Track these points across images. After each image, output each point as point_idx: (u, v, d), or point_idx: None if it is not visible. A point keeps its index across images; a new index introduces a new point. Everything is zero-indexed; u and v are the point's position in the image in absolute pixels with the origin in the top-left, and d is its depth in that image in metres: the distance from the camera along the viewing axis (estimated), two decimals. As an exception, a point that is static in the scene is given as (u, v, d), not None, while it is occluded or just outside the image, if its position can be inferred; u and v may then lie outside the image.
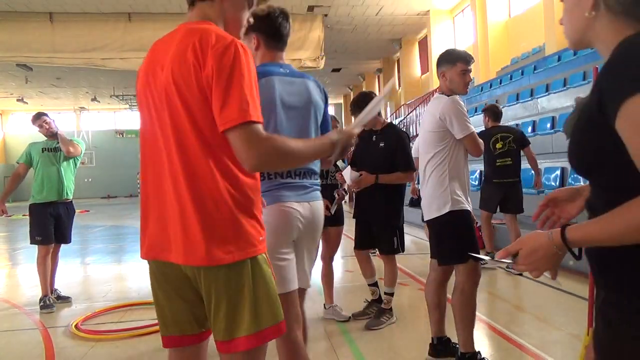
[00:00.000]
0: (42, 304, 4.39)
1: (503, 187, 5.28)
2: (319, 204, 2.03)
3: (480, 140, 2.73)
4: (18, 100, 24.48)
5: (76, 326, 3.78)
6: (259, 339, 1.37)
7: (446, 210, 2.62)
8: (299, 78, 2.02)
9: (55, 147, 4.64)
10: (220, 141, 1.32)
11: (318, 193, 2.04)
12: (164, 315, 1.48)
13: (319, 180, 2.07)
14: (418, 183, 6.27)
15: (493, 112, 5.46)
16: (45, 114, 4.72)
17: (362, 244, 3.78)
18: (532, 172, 5.68)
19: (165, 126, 1.36)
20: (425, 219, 2.79)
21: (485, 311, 3.87)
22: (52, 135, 4.65)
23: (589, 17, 1.00)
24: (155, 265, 1.46)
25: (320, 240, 3.79)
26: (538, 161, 5.60)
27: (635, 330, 0.94)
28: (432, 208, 2.69)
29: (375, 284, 3.83)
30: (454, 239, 2.67)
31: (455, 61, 2.69)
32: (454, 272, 2.78)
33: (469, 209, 2.68)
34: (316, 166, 2.04)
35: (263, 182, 1.93)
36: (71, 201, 4.72)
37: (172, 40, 1.39)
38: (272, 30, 2.01)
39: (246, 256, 1.36)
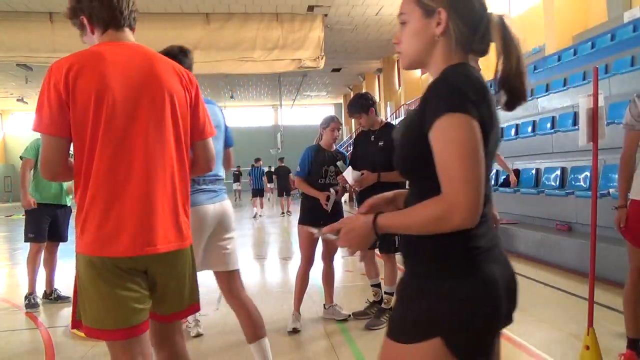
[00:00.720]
0: (27, 302, 4.42)
1: None
2: (227, 202, 2.50)
3: None
4: (18, 100, 24.47)
5: (76, 326, 3.78)
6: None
7: None
8: (209, 104, 2.39)
9: None
10: (186, 145, 1.67)
11: (224, 194, 2.50)
12: (128, 306, 1.51)
13: (224, 185, 2.51)
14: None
15: None
16: None
17: None
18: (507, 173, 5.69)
19: (164, 127, 1.59)
20: None
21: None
22: None
23: (436, 40, 1.14)
24: (118, 260, 1.49)
25: (320, 240, 3.83)
26: (538, 161, 5.60)
27: (425, 302, 1.09)
28: None
29: (378, 285, 3.83)
30: None
31: None
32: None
33: None
34: (222, 173, 2.49)
35: None
36: (69, 205, 4.71)
37: (139, 56, 1.59)
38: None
39: None
